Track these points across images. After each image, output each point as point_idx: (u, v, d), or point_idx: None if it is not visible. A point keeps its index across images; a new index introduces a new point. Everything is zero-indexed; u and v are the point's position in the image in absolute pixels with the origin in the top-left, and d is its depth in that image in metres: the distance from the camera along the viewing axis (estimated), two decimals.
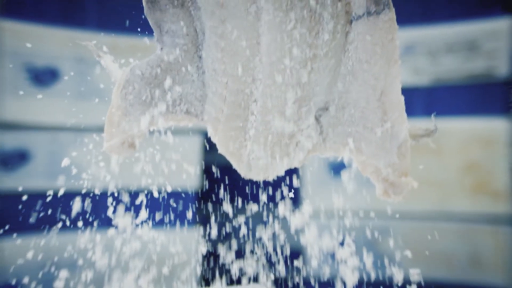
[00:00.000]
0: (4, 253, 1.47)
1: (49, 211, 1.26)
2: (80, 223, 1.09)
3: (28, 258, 1.21)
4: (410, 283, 0.97)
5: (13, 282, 1.42)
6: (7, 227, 1.36)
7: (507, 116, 1.71)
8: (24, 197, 1.38)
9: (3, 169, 1.64)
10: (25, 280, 1.34)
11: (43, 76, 1.69)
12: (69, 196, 1.01)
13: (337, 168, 1.76)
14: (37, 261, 1.22)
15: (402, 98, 0.81)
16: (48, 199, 1.10)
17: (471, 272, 1.70)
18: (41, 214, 1.29)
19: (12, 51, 1.66)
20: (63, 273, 1.04)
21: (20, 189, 1.56)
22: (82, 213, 1.03)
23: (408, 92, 0.82)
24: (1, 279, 1.48)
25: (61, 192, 1.03)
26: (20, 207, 1.32)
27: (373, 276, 1.05)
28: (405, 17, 1.38)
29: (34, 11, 1.69)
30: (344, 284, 0.95)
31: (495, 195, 1.70)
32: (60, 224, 1.14)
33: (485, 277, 1.69)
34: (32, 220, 1.32)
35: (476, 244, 1.70)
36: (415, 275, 0.96)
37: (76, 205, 0.99)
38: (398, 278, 0.96)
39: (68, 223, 1.08)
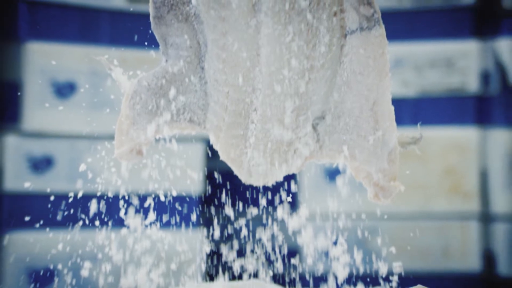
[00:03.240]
0: (42, 243, 1.47)
1: (71, 211, 1.22)
2: (97, 222, 1.04)
3: (59, 249, 1.17)
4: (392, 275, 0.92)
5: (51, 267, 1.46)
6: (41, 222, 1.33)
7: (477, 126, 1.73)
8: (52, 198, 1.34)
9: (35, 172, 1.63)
10: (59, 266, 1.35)
11: (64, 90, 1.68)
12: (87, 198, 0.96)
13: (333, 173, 1.72)
14: (66, 252, 1.19)
15: (392, 108, 0.76)
16: (70, 200, 1.05)
17: (442, 262, 1.70)
18: (65, 213, 1.26)
19: (41, 69, 1.65)
20: (87, 264, 1.00)
21: (48, 190, 1.54)
22: (98, 214, 0.99)
23: (397, 103, 0.77)
24: (43, 264, 1.50)
25: (80, 195, 0.98)
26: (49, 206, 1.28)
27: (361, 271, 1.00)
28: (394, 33, 1.35)
29: (57, 31, 1.69)
30: (336, 278, 0.91)
31: (466, 195, 1.70)
32: (80, 223, 1.09)
33: (454, 266, 1.69)
34: (59, 217, 1.29)
35: (448, 238, 1.70)
36: (397, 267, 0.91)
37: (93, 207, 0.95)
38: (383, 271, 0.92)
39: (87, 222, 1.03)
